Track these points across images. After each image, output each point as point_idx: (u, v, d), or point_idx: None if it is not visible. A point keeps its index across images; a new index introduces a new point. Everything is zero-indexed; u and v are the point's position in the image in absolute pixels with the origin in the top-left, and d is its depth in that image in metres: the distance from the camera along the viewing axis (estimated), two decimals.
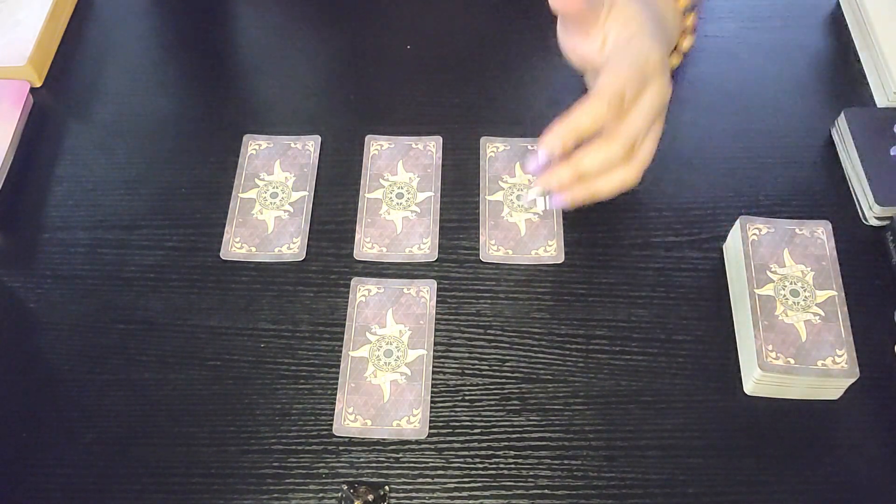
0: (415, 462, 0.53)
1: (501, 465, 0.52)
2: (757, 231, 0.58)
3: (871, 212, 0.61)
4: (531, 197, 0.51)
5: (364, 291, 0.59)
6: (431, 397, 0.55)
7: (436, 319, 0.58)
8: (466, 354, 0.57)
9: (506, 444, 0.53)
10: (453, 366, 0.56)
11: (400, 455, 0.53)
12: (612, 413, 0.54)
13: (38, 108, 0.70)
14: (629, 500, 0.51)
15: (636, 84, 0.47)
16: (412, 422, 0.54)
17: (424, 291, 0.59)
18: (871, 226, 0.62)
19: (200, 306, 0.59)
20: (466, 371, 0.56)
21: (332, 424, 0.54)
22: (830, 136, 0.67)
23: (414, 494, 0.51)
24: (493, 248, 0.61)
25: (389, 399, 0.54)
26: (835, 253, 0.57)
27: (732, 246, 0.59)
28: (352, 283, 0.60)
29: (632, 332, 0.57)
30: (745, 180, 0.64)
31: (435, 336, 0.57)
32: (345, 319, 0.58)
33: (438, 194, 0.64)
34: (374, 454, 0.53)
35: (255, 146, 0.67)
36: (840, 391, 0.54)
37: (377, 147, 0.67)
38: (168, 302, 0.59)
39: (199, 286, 0.60)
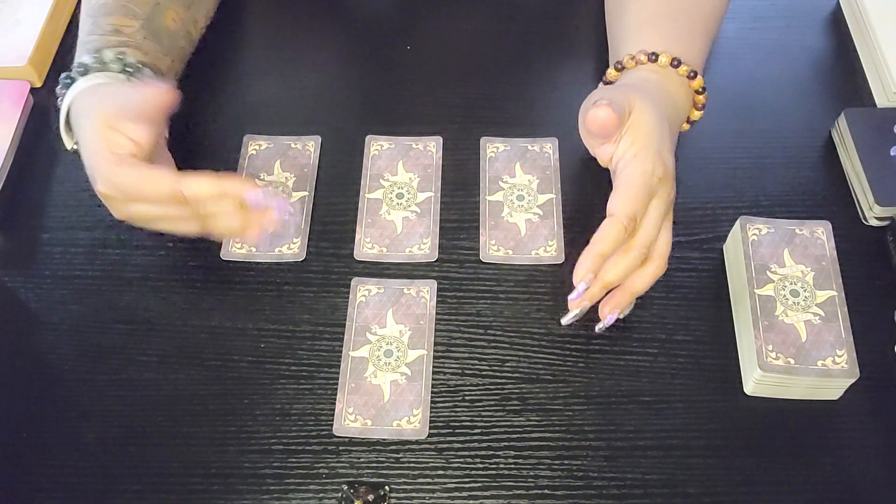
0: (415, 462, 0.53)
1: (501, 466, 0.52)
2: (757, 231, 0.58)
3: (872, 212, 0.61)
4: (569, 320, 0.54)
5: (364, 291, 0.59)
6: (431, 397, 0.55)
7: (436, 319, 0.58)
8: (466, 354, 0.57)
9: (506, 444, 0.53)
10: (453, 366, 0.56)
11: (400, 455, 0.53)
12: (612, 413, 0.54)
13: (38, 108, 0.70)
14: (629, 500, 0.51)
15: (645, 200, 0.51)
16: (412, 422, 0.54)
17: (424, 291, 0.59)
18: (872, 226, 0.62)
19: (200, 306, 0.59)
20: (466, 371, 0.56)
21: (332, 424, 0.54)
22: (830, 136, 0.67)
23: (414, 494, 0.51)
24: (493, 249, 0.61)
25: (389, 399, 0.54)
26: (835, 253, 0.57)
27: (732, 246, 0.59)
28: (352, 283, 0.60)
29: (632, 332, 0.57)
30: (745, 180, 0.64)
31: (435, 336, 0.57)
32: (345, 319, 0.58)
33: (438, 194, 0.64)
34: (375, 454, 0.53)
35: (255, 146, 0.67)
36: (840, 391, 0.54)
37: (377, 147, 0.67)
38: (168, 302, 0.59)
39: (199, 286, 0.60)
